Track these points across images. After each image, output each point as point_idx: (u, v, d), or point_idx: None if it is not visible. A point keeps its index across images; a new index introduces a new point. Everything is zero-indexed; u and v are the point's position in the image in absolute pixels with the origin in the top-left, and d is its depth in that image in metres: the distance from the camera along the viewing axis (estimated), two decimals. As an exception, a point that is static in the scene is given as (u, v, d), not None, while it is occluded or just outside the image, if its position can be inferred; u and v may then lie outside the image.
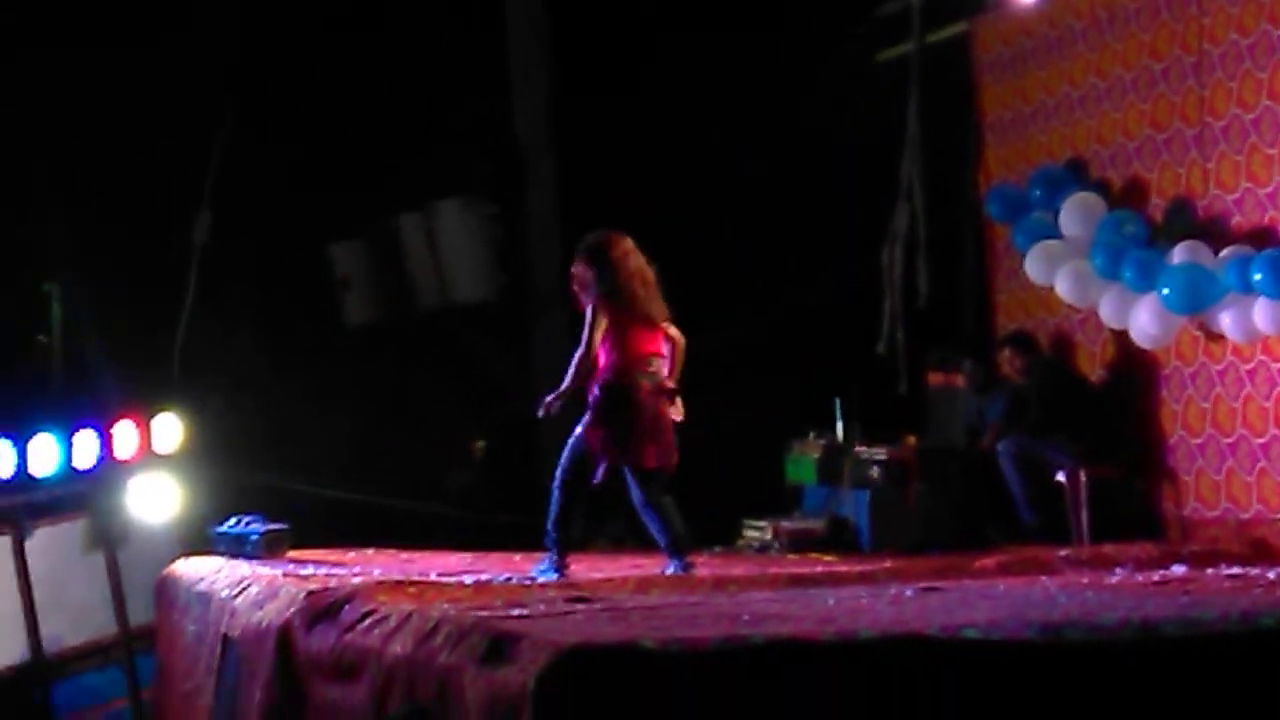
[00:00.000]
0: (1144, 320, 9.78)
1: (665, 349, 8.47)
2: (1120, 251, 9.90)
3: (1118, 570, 8.27)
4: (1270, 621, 5.95)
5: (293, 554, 9.12)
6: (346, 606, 6.92)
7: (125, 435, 9.07)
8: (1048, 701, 5.54)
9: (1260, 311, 9.08)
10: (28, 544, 8.96)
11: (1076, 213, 10.42)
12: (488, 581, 8.09)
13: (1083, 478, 9.83)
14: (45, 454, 8.75)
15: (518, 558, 9.24)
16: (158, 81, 10.47)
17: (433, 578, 8.15)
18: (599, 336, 8.26)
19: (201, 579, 8.56)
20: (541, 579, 8.25)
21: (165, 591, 8.92)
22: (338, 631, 6.76)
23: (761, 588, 7.80)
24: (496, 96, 11.91)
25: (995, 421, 10.48)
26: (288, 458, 10.62)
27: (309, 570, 8.44)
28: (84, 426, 8.90)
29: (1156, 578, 7.93)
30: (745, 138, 11.49)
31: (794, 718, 5.34)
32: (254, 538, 9.07)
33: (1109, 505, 9.87)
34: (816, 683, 5.38)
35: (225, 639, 7.84)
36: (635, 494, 8.42)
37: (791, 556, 9.90)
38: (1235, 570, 8.14)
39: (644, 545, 9.08)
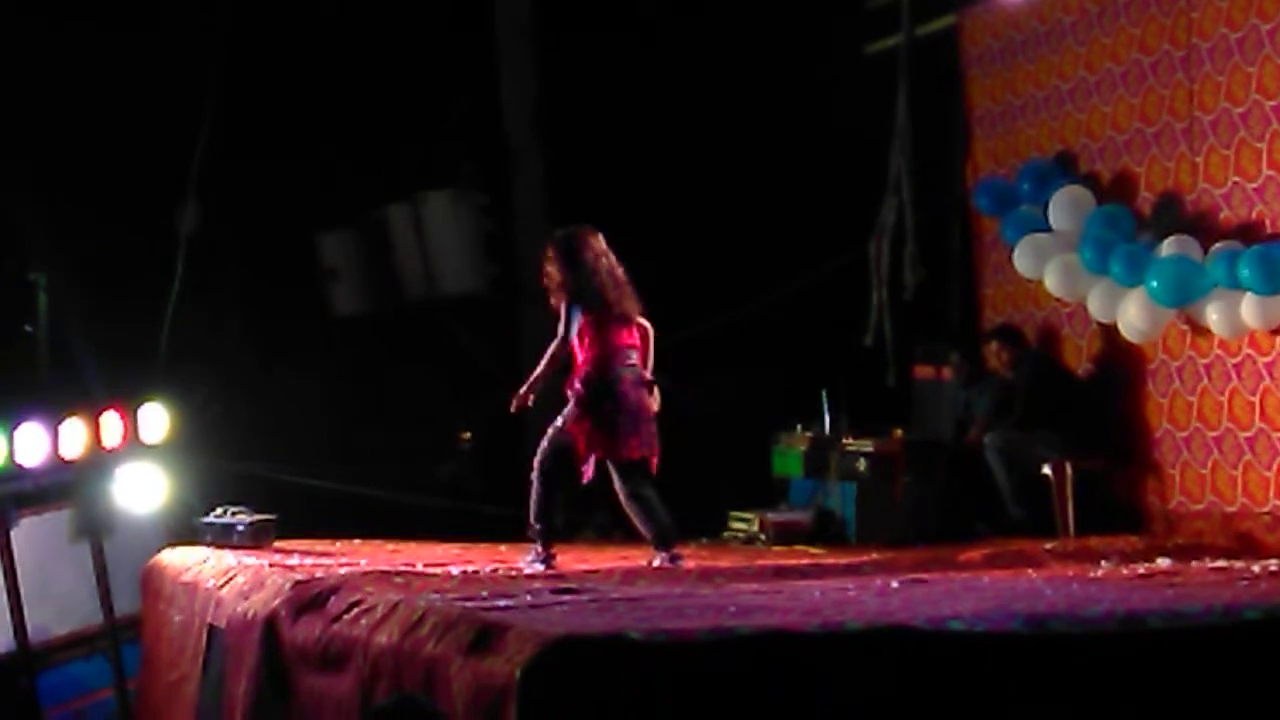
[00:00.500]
0: (1132, 314, 9.79)
1: (639, 342, 8.49)
2: (1109, 245, 9.91)
3: (1103, 563, 8.29)
4: (1254, 614, 5.98)
5: (279, 544, 9.12)
6: (333, 597, 6.93)
7: (111, 425, 9.05)
8: (1033, 693, 5.56)
9: (1247, 306, 9.10)
10: (13, 533, 8.93)
11: (1065, 206, 10.43)
12: (474, 572, 8.10)
13: (1069, 471, 9.84)
14: (31, 443, 8.72)
15: (504, 549, 9.24)
16: (145, 70, 10.43)
17: (419, 568, 8.15)
18: (574, 332, 8.29)
19: (187, 569, 8.56)
20: (528, 570, 8.25)
21: (151, 581, 8.91)
22: (324, 622, 6.77)
23: (748, 579, 7.81)
24: (485, 88, 11.89)
25: (982, 414, 10.49)
26: (274, 448, 10.60)
27: (295, 560, 8.44)
28: (70, 416, 8.87)
29: (1141, 570, 7.95)
30: (732, 130, 11.48)
31: (780, 709, 5.35)
32: (240, 528, 9.07)
33: (1094, 498, 9.89)
34: (802, 674, 5.39)
35: (211, 629, 7.84)
36: (619, 486, 8.44)
37: (778, 549, 9.92)
38: (1220, 563, 8.17)
39: (631, 537, 9.09)
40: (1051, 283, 10.41)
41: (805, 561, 8.82)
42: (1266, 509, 9.26)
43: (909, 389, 11.12)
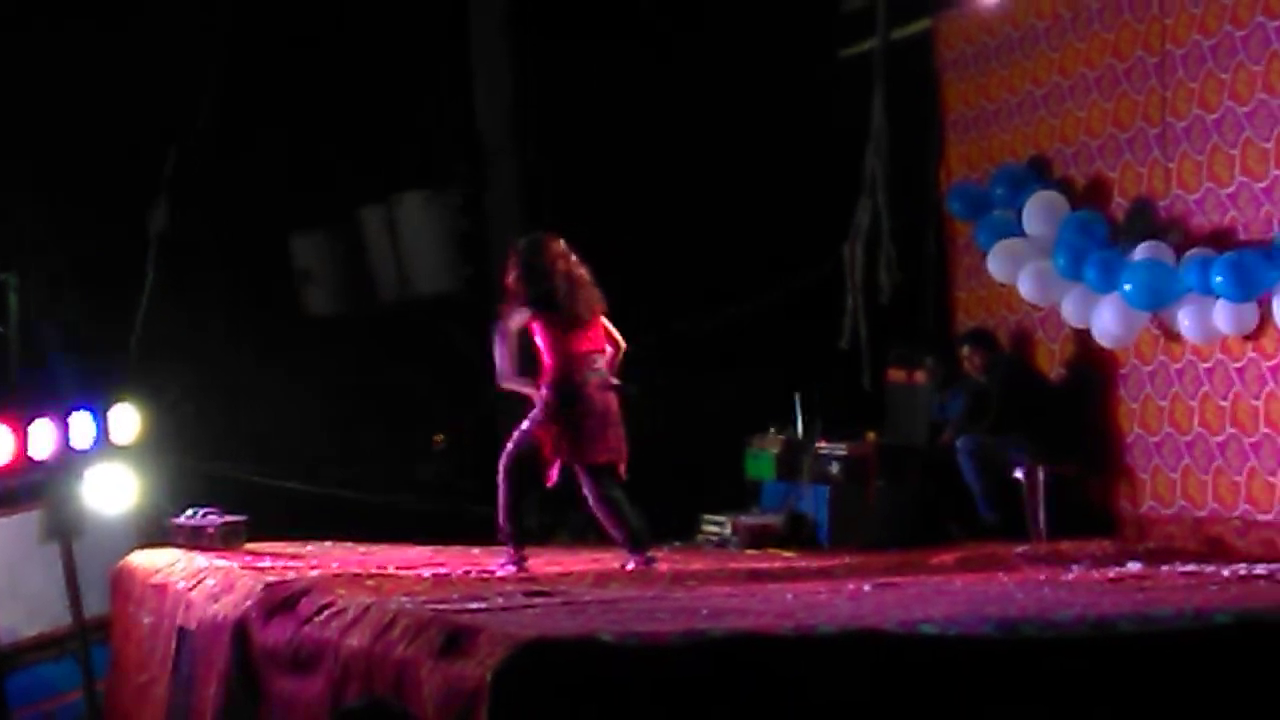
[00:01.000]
0: (1106, 320, 9.81)
1: (604, 345, 8.49)
2: (1083, 251, 9.94)
3: (1074, 567, 8.31)
4: (1224, 619, 5.99)
5: (250, 546, 9.10)
6: (304, 599, 6.91)
7: (82, 425, 9.00)
8: (1005, 696, 5.56)
9: (1219, 312, 9.13)
10: (-18, 534, 8.89)
11: (1039, 211, 10.45)
12: (446, 575, 8.09)
13: (1041, 475, 9.86)
14: (1, 444, 8.67)
15: (477, 551, 9.22)
16: (118, 70, 10.39)
17: (391, 571, 8.14)
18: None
19: (157, 571, 8.52)
20: (500, 573, 8.24)
21: (121, 583, 8.87)
22: (295, 624, 6.75)
23: (720, 583, 7.81)
24: (461, 91, 11.87)
25: (955, 418, 10.51)
26: (246, 449, 10.57)
27: (266, 563, 8.41)
28: (40, 416, 8.82)
29: (1112, 574, 7.97)
30: (708, 132, 11.48)
31: (752, 712, 5.35)
32: (211, 529, 9.04)
33: (1066, 502, 9.90)
34: (774, 677, 5.39)
35: (181, 631, 7.81)
36: (588, 490, 8.45)
37: (750, 552, 9.91)
38: (1190, 568, 8.19)
39: (604, 540, 9.08)
40: (1025, 288, 10.43)
41: (778, 565, 8.83)
42: (1237, 514, 9.30)
43: (882, 392, 11.14)
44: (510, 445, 8.44)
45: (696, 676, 5.33)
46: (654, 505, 8.76)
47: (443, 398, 11.42)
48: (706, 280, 11.42)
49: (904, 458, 10.53)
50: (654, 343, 10.28)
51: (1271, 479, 9.12)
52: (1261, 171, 9.20)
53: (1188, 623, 5.98)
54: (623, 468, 8.50)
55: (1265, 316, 9.01)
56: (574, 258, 8.51)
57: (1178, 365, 9.76)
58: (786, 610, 6.39)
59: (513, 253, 8.60)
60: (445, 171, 11.64)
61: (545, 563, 8.70)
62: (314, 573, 7.85)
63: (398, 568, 8.28)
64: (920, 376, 11.04)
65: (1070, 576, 7.92)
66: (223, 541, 8.97)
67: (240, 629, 7.08)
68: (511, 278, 8.51)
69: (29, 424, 8.79)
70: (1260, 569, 7.92)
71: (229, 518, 9.15)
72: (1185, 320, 9.39)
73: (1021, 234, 10.57)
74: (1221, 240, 9.37)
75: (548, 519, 10.35)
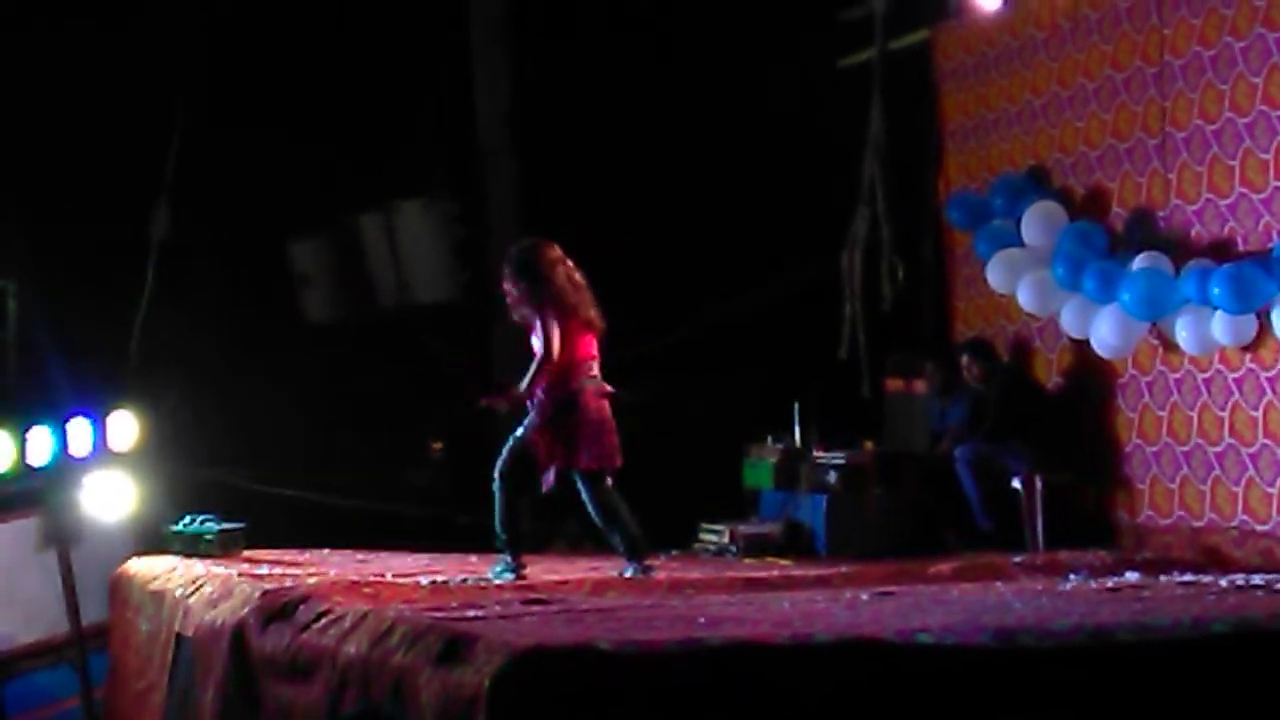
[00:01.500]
0: (1105, 330, 9.82)
1: (598, 352, 8.49)
2: (1081, 262, 9.94)
3: (1072, 576, 8.30)
4: (1222, 628, 5.99)
5: (248, 553, 9.09)
6: (301, 606, 6.90)
7: (80, 432, 9.00)
8: (1002, 706, 5.55)
9: (1218, 324, 9.13)
10: (-20, 541, 8.89)
11: (1038, 221, 10.46)
12: (444, 582, 8.07)
13: (1038, 484, 9.86)
14: (-1, 450, 8.67)
15: (474, 559, 9.21)
16: (117, 75, 10.39)
17: (389, 578, 8.12)
18: (555, 340, 8.28)
19: (156, 578, 8.51)
20: (497, 580, 8.23)
21: (119, 590, 8.86)
22: (292, 631, 6.74)
23: (718, 591, 7.80)
24: (459, 97, 11.88)
25: (954, 427, 10.51)
26: (245, 456, 10.56)
27: (264, 569, 8.40)
28: (39, 423, 8.82)
29: (1110, 584, 7.96)
30: (707, 140, 11.49)
31: (749, 721, 5.35)
32: (209, 536, 9.03)
33: (1064, 512, 9.91)
34: (771, 686, 5.39)
35: (179, 638, 7.80)
36: (586, 497, 8.45)
37: (748, 560, 9.91)
38: (1188, 577, 8.18)
39: (602, 547, 9.08)
40: (1024, 299, 10.44)
41: (775, 573, 8.82)
42: (1234, 524, 9.30)
43: (880, 401, 11.14)
44: (505, 452, 8.43)
45: (693, 685, 5.33)
46: (652, 513, 8.75)
47: (441, 404, 11.42)
48: (704, 288, 11.42)
49: (901, 467, 10.53)
50: (652, 350, 10.29)
51: (1269, 489, 9.12)
52: (1261, 183, 9.20)
53: (1185, 632, 5.98)
54: (615, 475, 8.48)
55: (1264, 328, 9.02)
56: (569, 263, 8.50)
57: (1176, 375, 9.76)
58: (784, 619, 6.39)
59: (507, 259, 8.56)
60: (444, 178, 11.64)
61: (542, 571, 8.70)
62: (312, 580, 7.84)
63: (395, 575, 8.27)
64: (919, 385, 11.04)
65: (1068, 586, 7.92)
66: (221, 548, 8.96)
67: (238, 636, 7.07)
68: (509, 284, 8.48)
69: (27, 430, 8.78)
70: (1258, 579, 7.92)
71: (227, 525, 9.14)
72: (1183, 331, 9.40)
73: (1020, 244, 10.57)
74: (1220, 251, 9.38)
75: (545, 526, 10.35)
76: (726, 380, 11.32)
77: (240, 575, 8.00)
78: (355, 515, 10.56)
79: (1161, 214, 9.87)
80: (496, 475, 8.42)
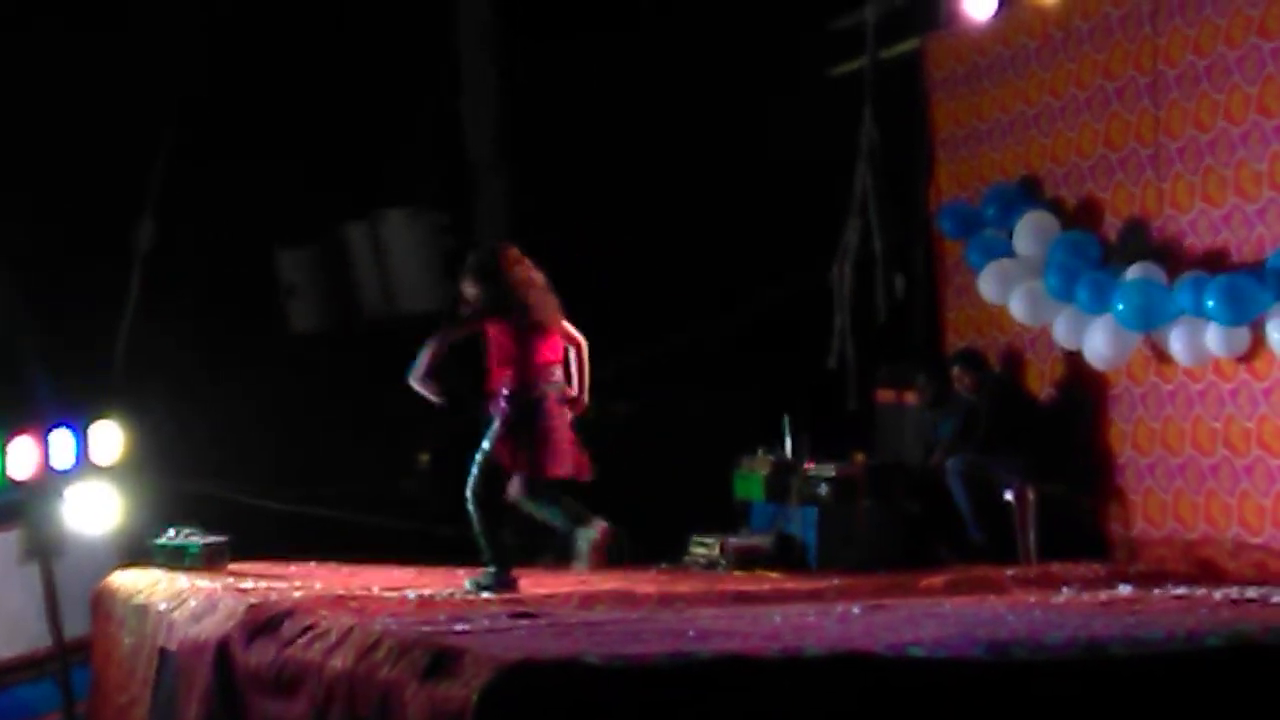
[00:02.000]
0: (1098, 341, 9.79)
1: (563, 355, 8.42)
2: (1074, 272, 9.91)
3: (1065, 589, 8.28)
4: (1216, 641, 5.97)
5: (233, 567, 9.03)
6: (287, 620, 6.86)
7: (63, 444, 8.94)
8: (995, 721, 5.51)
9: (1211, 335, 9.10)
10: (-38, 554, 8.83)
11: (1030, 232, 10.43)
12: (430, 596, 8.03)
13: (1031, 496, 9.82)
14: (-19, 462, 8.62)
15: (461, 572, 9.15)
16: (101, 84, 10.34)
17: (375, 592, 8.08)
18: (506, 348, 8.22)
19: (139, 591, 8.46)
20: (485, 594, 8.17)
21: (102, 604, 8.80)
22: (278, 646, 6.69)
23: (708, 604, 7.78)
24: (447, 107, 11.85)
25: (945, 438, 10.47)
26: (229, 468, 10.50)
27: (249, 583, 8.35)
28: (21, 434, 8.76)
29: (1103, 597, 7.94)
30: (697, 151, 11.46)
31: (739, 736, 5.29)
32: (193, 550, 8.97)
33: (1057, 524, 9.86)
34: (762, 700, 5.34)
35: (162, 652, 7.75)
36: (523, 495, 8.33)
37: (739, 573, 9.87)
38: (1181, 590, 8.17)
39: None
40: (1017, 309, 10.42)
41: (766, 587, 8.78)
42: (1229, 536, 9.27)
43: (871, 413, 11.10)
44: (474, 470, 8.34)
45: (683, 698, 5.29)
46: (642, 525, 8.70)
47: (426, 416, 11.36)
48: (695, 299, 11.39)
49: (892, 478, 10.49)
50: (643, 362, 10.24)
51: (1263, 501, 9.09)
52: (1255, 193, 9.17)
53: (1179, 646, 5.97)
54: (586, 477, 8.41)
55: (1258, 339, 8.99)
56: (530, 266, 8.41)
57: (1169, 387, 9.73)
58: (774, 632, 6.35)
59: (467, 268, 8.49)
60: (432, 189, 11.60)
61: (530, 584, 8.64)
62: (297, 594, 7.80)
63: (382, 589, 8.22)
64: (910, 397, 11.01)
65: (1061, 599, 7.89)
66: (205, 562, 8.90)
67: (222, 650, 7.02)
68: (467, 285, 8.41)
69: (9, 442, 8.74)
70: (1252, 592, 7.90)
71: (212, 538, 9.08)
72: (1177, 342, 9.36)
73: (1012, 254, 10.54)
74: (1214, 262, 9.35)
75: (533, 540, 10.28)
76: (718, 392, 11.28)
77: (225, 589, 7.95)
78: (342, 528, 10.50)
79: (1155, 224, 9.85)
80: (469, 495, 8.34)
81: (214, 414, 10.72)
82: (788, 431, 10.77)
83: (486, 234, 11.60)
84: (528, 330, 8.26)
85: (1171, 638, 6.07)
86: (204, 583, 8.23)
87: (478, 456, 8.33)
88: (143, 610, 8.22)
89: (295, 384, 11.09)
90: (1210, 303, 8.99)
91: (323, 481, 10.90)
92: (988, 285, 10.61)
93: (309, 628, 6.62)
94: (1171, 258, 9.61)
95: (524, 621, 6.75)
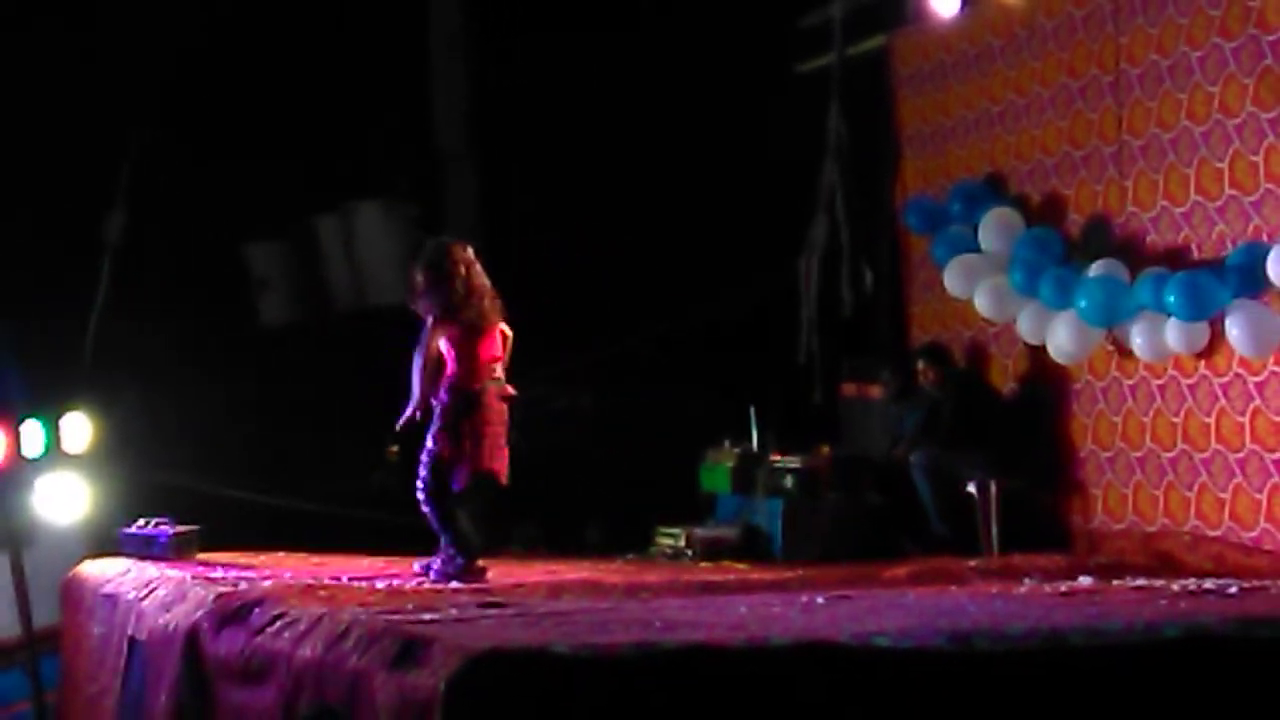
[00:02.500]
0: (1061, 336, 9.87)
1: (503, 353, 8.47)
2: (1038, 268, 9.99)
3: (1026, 581, 8.34)
4: (1174, 632, 6.02)
5: (202, 556, 9.03)
6: (256, 609, 6.87)
7: (33, 434, 8.93)
8: (956, 709, 5.57)
9: (1171, 330, 9.19)
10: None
11: (995, 228, 10.50)
12: (399, 586, 8.05)
13: (993, 489, 9.89)
14: (-49, 452, 8.61)
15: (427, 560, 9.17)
16: (73, 77, 10.33)
17: (344, 581, 8.09)
18: (430, 345, 8.25)
19: (108, 580, 8.46)
20: (455, 583, 8.20)
21: (71, 593, 8.80)
22: (247, 634, 6.70)
23: (674, 595, 7.79)
24: (418, 100, 11.85)
25: (910, 432, 10.54)
26: (199, 459, 10.50)
27: (218, 573, 8.35)
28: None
29: (1064, 588, 8.00)
30: (664, 147, 11.50)
31: (704, 724, 5.34)
32: (163, 539, 8.98)
33: (1019, 517, 9.94)
34: (727, 689, 5.39)
35: (132, 641, 7.75)
36: (443, 482, 8.35)
37: (704, 564, 9.91)
38: (1140, 582, 8.23)
39: (557, 550, 9.06)
40: (981, 304, 10.49)
41: (732, 577, 8.82)
42: (1187, 529, 9.35)
43: (836, 406, 11.15)
44: (422, 470, 8.36)
45: (649, 688, 5.32)
46: (609, 516, 8.73)
47: (396, 408, 11.37)
48: (662, 292, 11.43)
49: (857, 471, 10.56)
50: (611, 354, 10.27)
51: (1221, 495, 9.18)
52: (1216, 191, 9.26)
53: (1138, 636, 6.01)
54: (504, 476, 8.46)
55: (1217, 335, 9.08)
56: (478, 266, 8.46)
57: (1131, 382, 9.81)
58: (740, 622, 6.38)
59: (419, 262, 8.52)
60: (403, 181, 11.60)
61: (498, 574, 8.67)
62: (266, 583, 7.80)
63: (351, 579, 8.24)
64: (875, 391, 11.07)
65: (1022, 590, 7.95)
66: (174, 551, 8.91)
67: (191, 639, 7.02)
68: (419, 275, 8.45)
69: (-21, 432, 8.73)
70: (1209, 584, 7.97)
71: (181, 528, 9.08)
72: (1138, 338, 9.45)
73: (978, 249, 10.62)
74: (1175, 259, 9.43)
75: (498, 531, 10.31)
76: (684, 385, 11.33)
77: (194, 578, 7.95)
78: (311, 518, 10.51)
79: (1117, 221, 9.93)
80: (422, 497, 8.36)
81: (184, 405, 10.73)
82: (754, 424, 10.83)
83: (457, 227, 11.62)
84: (471, 330, 8.32)
85: (1130, 628, 6.10)
86: (173, 572, 8.23)
87: (423, 457, 8.38)
88: (112, 599, 8.22)
89: (265, 376, 11.10)
90: (1171, 299, 9.08)
91: (292, 472, 10.91)
92: (953, 280, 10.68)
93: (278, 617, 6.63)
94: (1133, 254, 9.69)
95: (492, 611, 6.76)
